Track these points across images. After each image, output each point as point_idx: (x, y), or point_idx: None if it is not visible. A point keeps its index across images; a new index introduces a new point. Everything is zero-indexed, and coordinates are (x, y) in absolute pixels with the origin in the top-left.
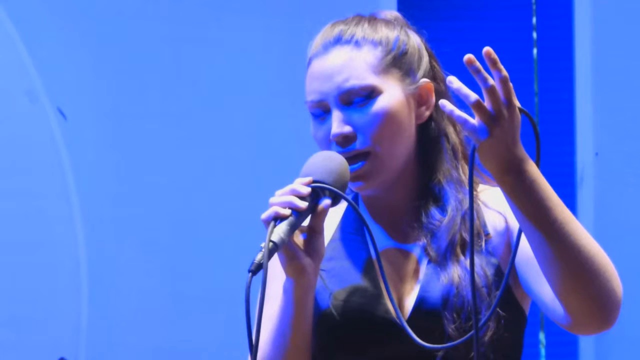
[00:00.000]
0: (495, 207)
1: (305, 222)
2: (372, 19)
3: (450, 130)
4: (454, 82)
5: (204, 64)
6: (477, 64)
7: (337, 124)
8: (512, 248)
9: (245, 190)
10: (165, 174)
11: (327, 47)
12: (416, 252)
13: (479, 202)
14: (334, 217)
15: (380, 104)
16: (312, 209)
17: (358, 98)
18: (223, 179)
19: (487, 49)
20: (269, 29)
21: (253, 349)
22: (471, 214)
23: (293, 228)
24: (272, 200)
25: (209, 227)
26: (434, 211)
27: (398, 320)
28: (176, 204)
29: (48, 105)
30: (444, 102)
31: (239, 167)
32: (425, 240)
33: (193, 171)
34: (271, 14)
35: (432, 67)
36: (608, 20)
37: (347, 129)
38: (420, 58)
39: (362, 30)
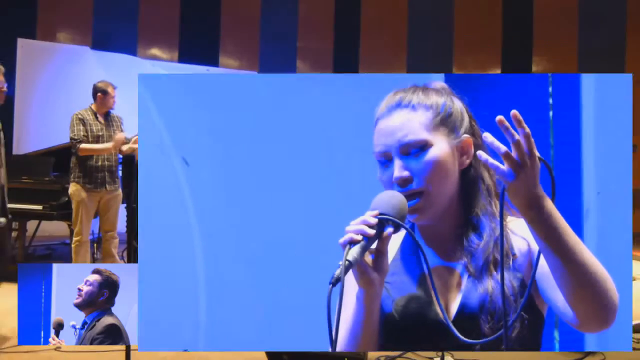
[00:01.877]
0: (520, 234)
1: (373, 246)
2: (425, 88)
3: (485, 174)
4: (488, 137)
5: (297, 127)
6: (507, 123)
7: (398, 170)
8: (533, 266)
9: (326, 221)
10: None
11: (391, 110)
12: (459, 268)
13: (508, 230)
14: (395, 242)
15: (432, 154)
16: (379, 235)
17: (414, 149)
18: (317, 212)
19: (513, 111)
20: (344, 96)
21: (333, 344)
22: (502, 239)
23: (364, 250)
24: (347, 228)
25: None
26: (473, 237)
27: (445, 322)
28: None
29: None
30: (481, 153)
31: (324, 205)
32: (466, 260)
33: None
34: (350, 90)
35: (471, 125)
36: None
37: (406, 173)
38: (462, 118)
39: (417, 97)
